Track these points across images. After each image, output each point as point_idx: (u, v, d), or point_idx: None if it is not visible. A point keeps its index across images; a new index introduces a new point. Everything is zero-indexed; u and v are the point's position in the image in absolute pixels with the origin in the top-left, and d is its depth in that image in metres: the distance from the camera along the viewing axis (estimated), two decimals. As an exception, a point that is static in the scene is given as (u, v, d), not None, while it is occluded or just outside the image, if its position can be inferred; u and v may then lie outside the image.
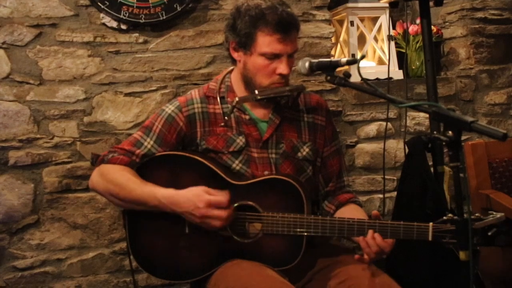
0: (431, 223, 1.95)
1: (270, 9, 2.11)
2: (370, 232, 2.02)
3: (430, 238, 1.95)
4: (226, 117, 2.22)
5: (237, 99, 2.15)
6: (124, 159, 2.18)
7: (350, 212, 2.24)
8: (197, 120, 2.24)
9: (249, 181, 2.14)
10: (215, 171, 2.14)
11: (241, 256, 2.11)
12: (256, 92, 2.15)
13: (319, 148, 2.33)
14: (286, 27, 2.11)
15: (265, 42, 2.11)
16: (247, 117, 2.25)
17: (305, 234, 2.06)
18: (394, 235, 2.01)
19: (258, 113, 2.27)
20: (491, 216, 1.87)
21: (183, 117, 2.23)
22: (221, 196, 2.03)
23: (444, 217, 1.92)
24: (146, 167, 2.20)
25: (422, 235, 1.97)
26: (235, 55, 2.23)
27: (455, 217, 1.84)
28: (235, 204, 2.10)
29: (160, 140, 2.22)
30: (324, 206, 2.35)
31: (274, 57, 2.13)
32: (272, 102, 2.24)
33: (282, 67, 2.14)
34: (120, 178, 2.14)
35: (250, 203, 2.11)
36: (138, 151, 2.20)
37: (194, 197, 2.03)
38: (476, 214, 1.87)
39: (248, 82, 2.21)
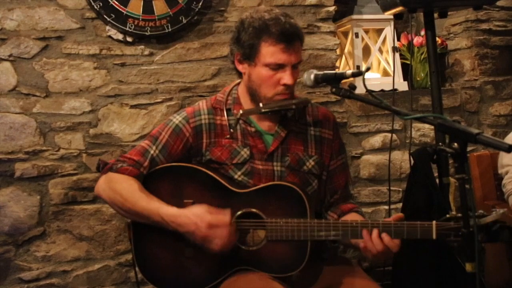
0: (434, 221, 1.94)
1: (273, 20, 2.13)
2: (376, 230, 1.99)
3: (434, 237, 1.94)
4: (231, 129, 2.22)
5: (241, 111, 2.16)
6: (133, 171, 2.17)
7: (351, 220, 2.23)
8: (204, 131, 2.24)
9: (251, 189, 2.15)
10: (218, 181, 2.15)
11: (246, 264, 2.11)
12: (261, 105, 2.15)
13: (325, 162, 2.33)
14: (289, 37, 2.12)
15: (269, 52, 2.12)
16: (253, 129, 2.25)
17: (309, 238, 2.05)
18: (398, 234, 1.99)
19: (264, 125, 2.27)
20: (494, 212, 1.87)
21: (190, 128, 2.24)
22: (222, 215, 2.03)
23: (447, 215, 1.92)
24: (150, 179, 2.20)
25: (426, 234, 1.95)
26: (240, 67, 2.24)
27: (458, 215, 1.84)
28: (239, 212, 2.10)
29: (165, 150, 2.22)
30: (327, 216, 2.34)
31: (278, 67, 2.13)
32: (278, 115, 2.25)
33: (286, 78, 2.13)
34: (126, 189, 2.14)
35: (254, 210, 2.11)
36: (146, 163, 2.20)
37: (196, 218, 2.02)
38: (480, 211, 1.88)
39: (253, 94, 2.21)
